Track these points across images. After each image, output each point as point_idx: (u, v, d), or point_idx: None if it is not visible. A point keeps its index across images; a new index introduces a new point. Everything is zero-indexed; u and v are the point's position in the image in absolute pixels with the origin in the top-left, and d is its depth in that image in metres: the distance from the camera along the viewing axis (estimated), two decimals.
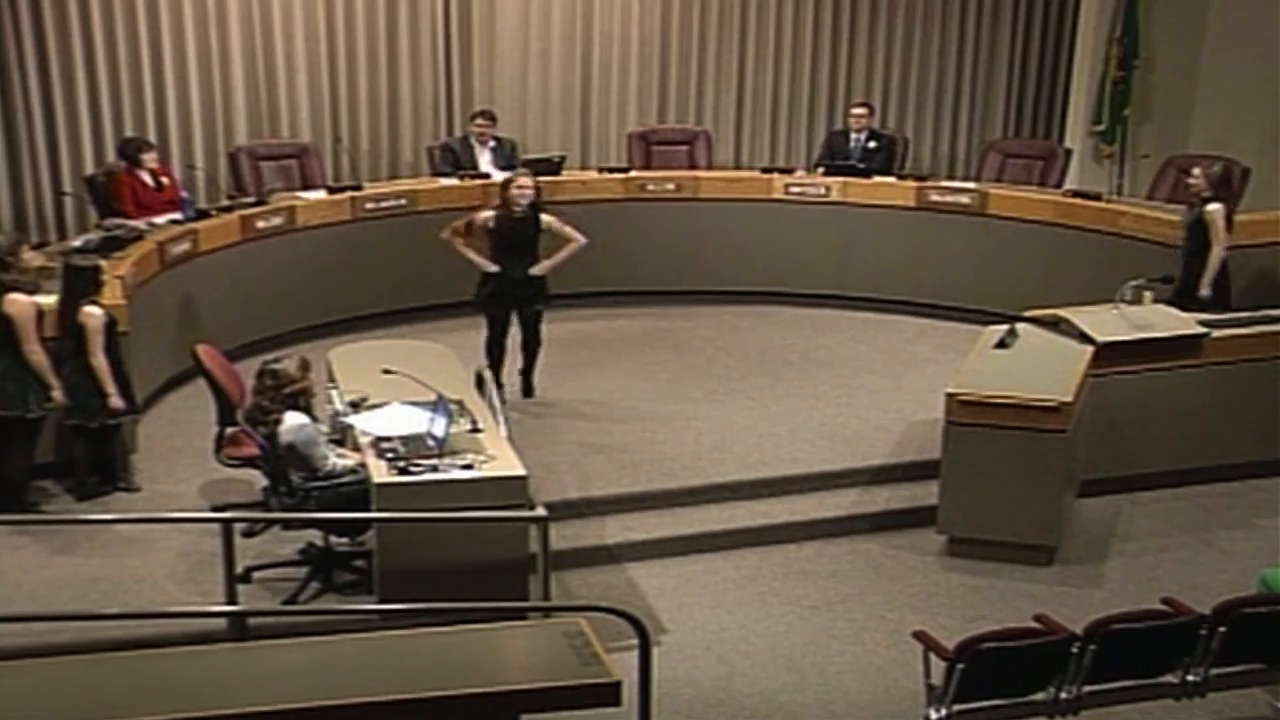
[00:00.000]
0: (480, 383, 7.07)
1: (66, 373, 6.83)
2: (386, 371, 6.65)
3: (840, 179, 10.23)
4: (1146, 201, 10.02)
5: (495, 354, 8.25)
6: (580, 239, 8.19)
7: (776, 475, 7.47)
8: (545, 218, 8.14)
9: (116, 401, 6.91)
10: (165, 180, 9.08)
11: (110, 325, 6.96)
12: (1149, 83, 12.03)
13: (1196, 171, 8.51)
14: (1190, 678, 5.31)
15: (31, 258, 7.11)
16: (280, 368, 6.24)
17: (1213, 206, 8.32)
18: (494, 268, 8.08)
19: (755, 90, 11.61)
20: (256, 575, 6.36)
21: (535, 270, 8.12)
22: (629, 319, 9.87)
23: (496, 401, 6.87)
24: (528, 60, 11.00)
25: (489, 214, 8.13)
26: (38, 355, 6.73)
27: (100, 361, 6.86)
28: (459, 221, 8.23)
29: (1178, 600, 5.44)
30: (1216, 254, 8.24)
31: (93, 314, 6.87)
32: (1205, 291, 8.22)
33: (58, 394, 6.78)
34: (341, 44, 10.51)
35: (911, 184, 10.17)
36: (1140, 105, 12.04)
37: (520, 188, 8.06)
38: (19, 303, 6.74)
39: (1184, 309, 8.02)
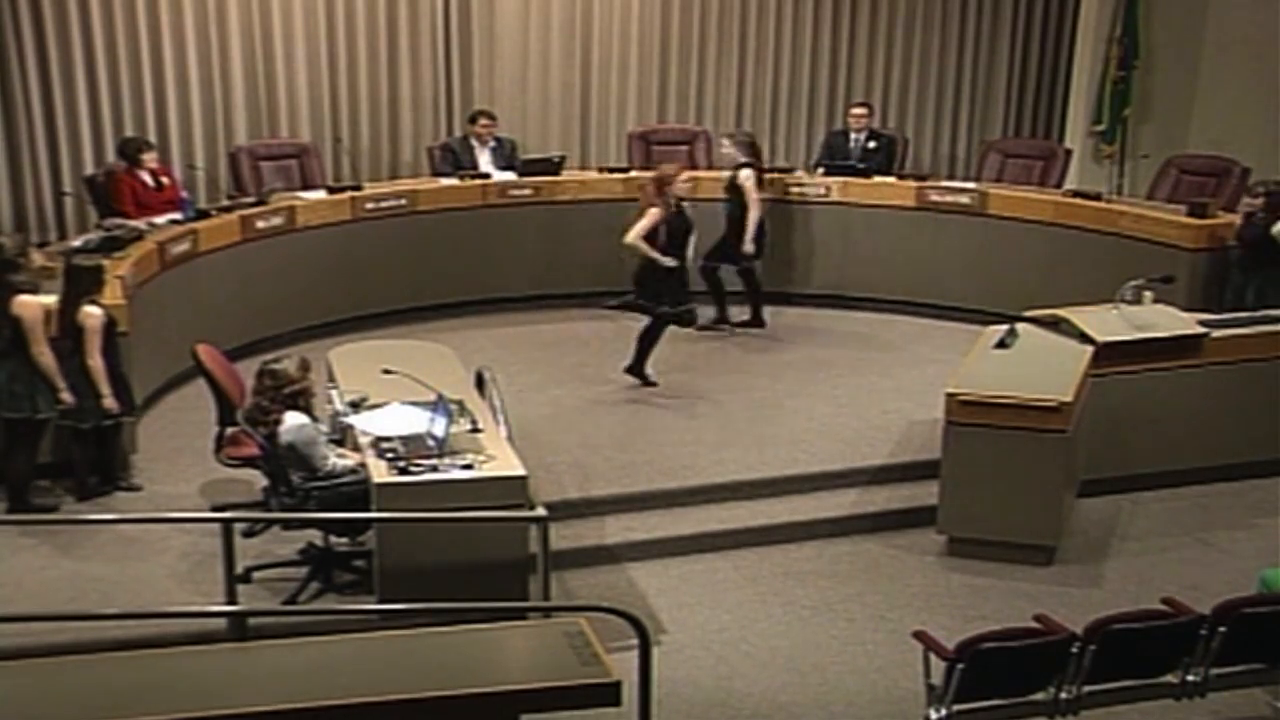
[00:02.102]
0: (480, 382, 7.07)
1: (65, 373, 6.83)
2: (386, 371, 6.65)
3: (840, 179, 10.23)
4: (1146, 201, 10.02)
5: (650, 347, 8.47)
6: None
7: (776, 475, 7.47)
8: (685, 208, 8.44)
9: (110, 402, 6.90)
10: (165, 180, 9.08)
11: (110, 326, 6.95)
12: (1149, 83, 12.04)
13: (727, 141, 9.57)
14: (1190, 678, 5.31)
15: (36, 258, 7.12)
16: (280, 368, 6.24)
17: (745, 173, 9.24)
18: (673, 261, 8.26)
19: (755, 90, 11.61)
20: (256, 575, 6.36)
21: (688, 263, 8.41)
22: (629, 319, 9.82)
23: (497, 400, 6.87)
24: (527, 60, 11.00)
25: (658, 212, 8.24)
26: (46, 357, 6.73)
27: (96, 362, 6.85)
28: (646, 224, 8.23)
29: (1177, 600, 5.44)
30: (754, 215, 9.19)
31: (92, 314, 6.86)
32: (748, 248, 9.22)
33: (66, 395, 6.78)
34: (341, 44, 10.51)
35: (911, 184, 10.17)
36: (1140, 105, 12.05)
37: (685, 181, 8.40)
38: (28, 305, 6.74)
39: (731, 261, 9.33)
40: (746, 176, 9.26)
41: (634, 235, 8.26)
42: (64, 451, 7.13)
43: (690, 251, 8.44)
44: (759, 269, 9.58)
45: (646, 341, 8.50)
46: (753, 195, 9.23)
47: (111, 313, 7.01)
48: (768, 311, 9.81)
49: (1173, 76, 11.98)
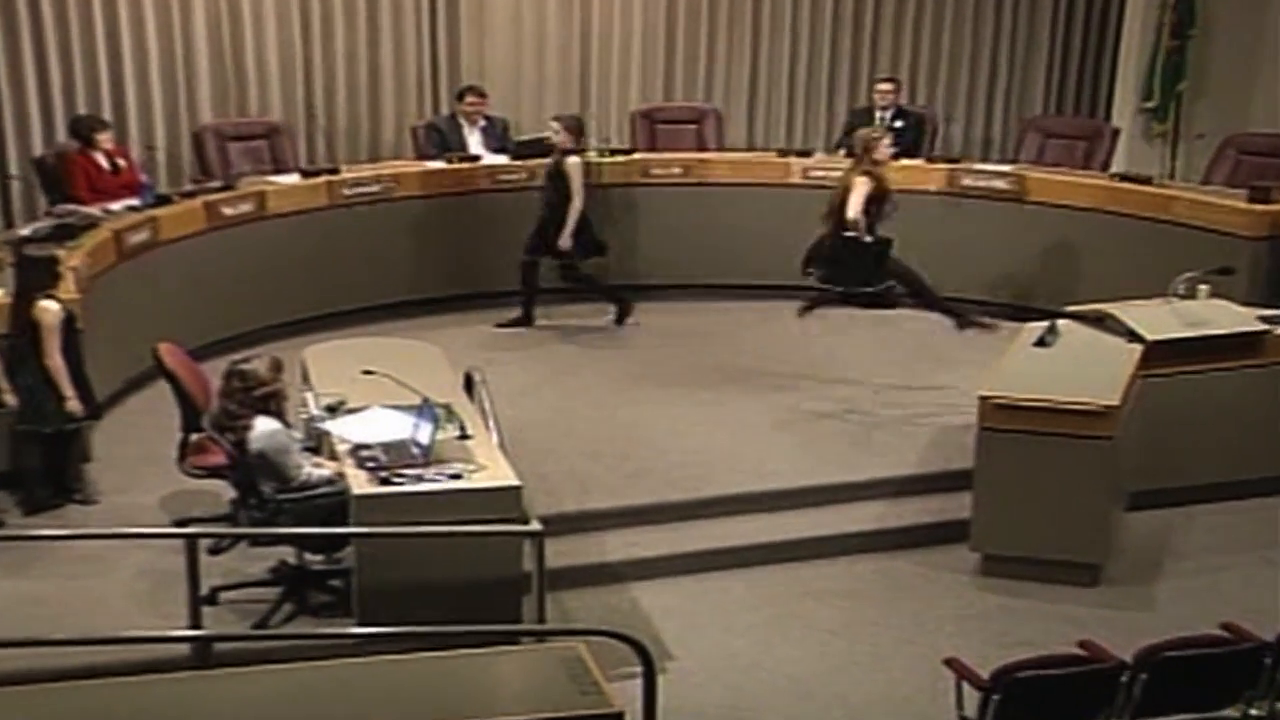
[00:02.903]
0: (469, 384, 7.08)
1: (22, 373, 6.82)
2: (366, 372, 6.66)
3: None
4: (1202, 185, 10.02)
5: (928, 293, 8.64)
6: None
7: (794, 486, 7.48)
8: None
9: (74, 405, 6.92)
10: (122, 162, 9.10)
11: (69, 322, 6.96)
12: (1206, 54, 12.02)
13: (556, 124, 9.47)
14: (1253, 712, 5.30)
15: None
16: (250, 368, 6.25)
17: (573, 160, 9.27)
18: (869, 237, 8.30)
19: (770, 64, 11.62)
20: (223, 596, 6.35)
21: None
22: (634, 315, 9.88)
23: (487, 404, 6.88)
24: (521, 31, 11.01)
25: (870, 180, 8.27)
26: None
27: (56, 361, 6.85)
28: (860, 196, 8.23)
29: (1238, 625, 5.44)
30: (576, 206, 9.19)
31: (49, 309, 6.87)
32: (566, 243, 9.20)
33: (8, 396, 6.79)
34: (316, 12, 10.51)
35: (942, 167, 10.17)
36: (1196, 79, 12.03)
37: (889, 145, 8.52)
38: None
39: (548, 256, 9.28)
40: (575, 164, 9.26)
41: (855, 209, 8.22)
42: (14, 460, 7.14)
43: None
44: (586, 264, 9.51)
45: (927, 301, 8.58)
46: (578, 185, 9.23)
47: (71, 307, 7.02)
48: (779, 307, 9.84)
49: (1233, 46, 11.95)
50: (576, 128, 9.52)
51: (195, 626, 5.86)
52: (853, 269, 8.41)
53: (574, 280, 9.52)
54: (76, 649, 5.78)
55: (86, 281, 7.68)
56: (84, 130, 9.05)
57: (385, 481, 5.96)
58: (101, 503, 7.18)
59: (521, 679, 4.81)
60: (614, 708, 4.56)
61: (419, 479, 5.97)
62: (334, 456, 6.30)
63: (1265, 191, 9.25)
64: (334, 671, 4.79)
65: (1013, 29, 12.00)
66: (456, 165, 9.91)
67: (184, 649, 5.83)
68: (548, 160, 9.45)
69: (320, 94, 10.63)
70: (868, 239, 8.28)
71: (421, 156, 10.21)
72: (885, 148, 8.55)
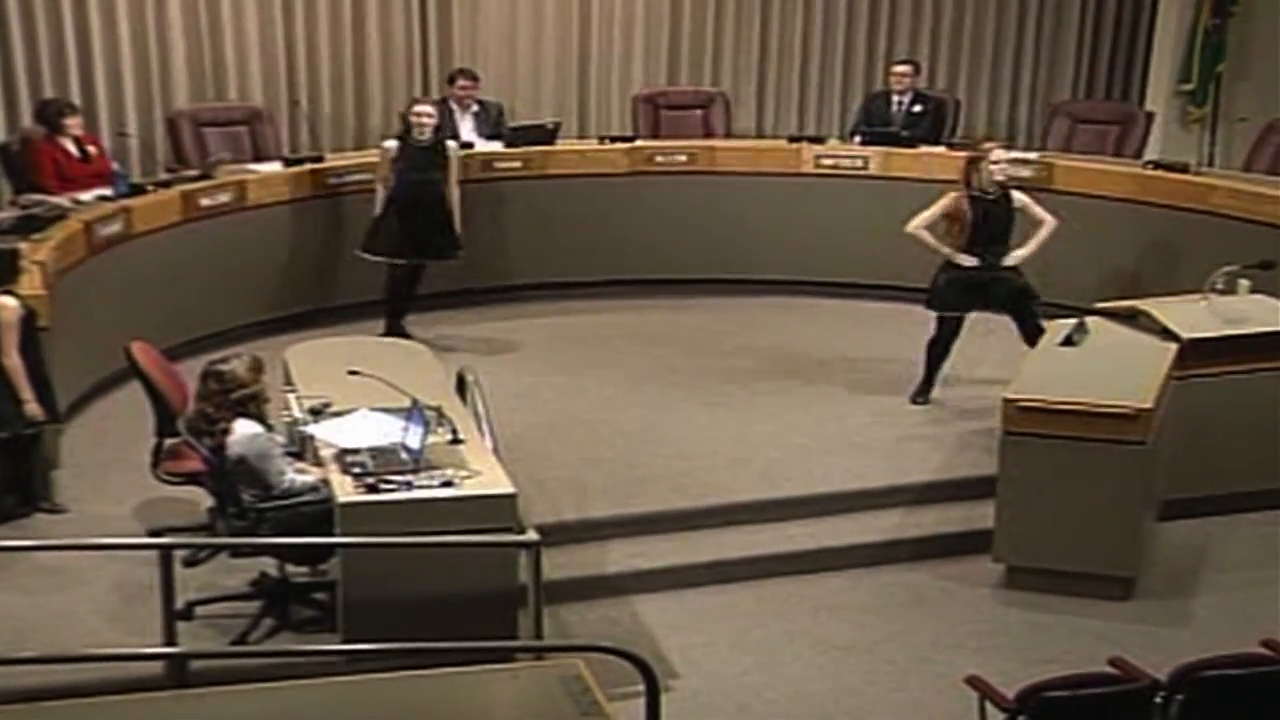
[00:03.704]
0: (462, 385, 7.09)
1: None
2: (352, 373, 6.67)
3: (880, 149, 10.26)
4: (1243, 173, 10.03)
5: (939, 355, 8.46)
6: (1052, 220, 8.40)
7: (806, 493, 7.49)
8: (1019, 196, 8.36)
9: (34, 408, 6.92)
10: (92, 149, 9.11)
11: (28, 319, 6.97)
12: (1248, 32, 12.01)
13: (426, 108, 9.20)
14: None
15: None
16: (228, 369, 6.26)
17: (454, 143, 9.31)
18: (971, 260, 8.23)
19: (781, 45, 11.63)
20: (200, 611, 6.36)
21: (1010, 260, 8.29)
22: (633, 312, 9.89)
23: (481, 407, 6.89)
24: (516, 9, 11.02)
25: (956, 196, 8.23)
26: None
27: (14, 361, 6.86)
28: (932, 211, 8.26)
29: None
30: (457, 195, 9.17)
31: (6, 306, 6.88)
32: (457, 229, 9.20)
33: None
34: None
35: (963, 154, 10.16)
36: (1237, 59, 12.03)
37: (996, 162, 8.26)
38: None
39: (440, 255, 9.16)
40: (455, 147, 9.25)
41: (915, 223, 8.25)
42: None
43: (1025, 251, 8.30)
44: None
45: (930, 355, 8.48)
46: (457, 173, 9.19)
47: (30, 304, 7.04)
48: (790, 304, 9.85)
49: (1277, 25, 11.94)
50: (440, 109, 9.44)
51: (170, 643, 5.85)
52: (948, 295, 8.35)
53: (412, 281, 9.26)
54: (43, 667, 5.79)
55: (54, 277, 7.68)
56: (51, 115, 9.06)
57: (372, 489, 5.96)
58: (70, 512, 7.18)
59: (517, 699, 4.82)
60: None
61: (408, 486, 5.98)
62: (318, 462, 6.30)
63: None
64: (318, 691, 4.80)
65: (1040, 6, 12.01)
66: None
67: (157, 667, 5.83)
68: (388, 147, 9.06)
69: (303, 77, 10.64)
70: (962, 260, 8.22)
71: None
72: (992, 165, 8.22)
